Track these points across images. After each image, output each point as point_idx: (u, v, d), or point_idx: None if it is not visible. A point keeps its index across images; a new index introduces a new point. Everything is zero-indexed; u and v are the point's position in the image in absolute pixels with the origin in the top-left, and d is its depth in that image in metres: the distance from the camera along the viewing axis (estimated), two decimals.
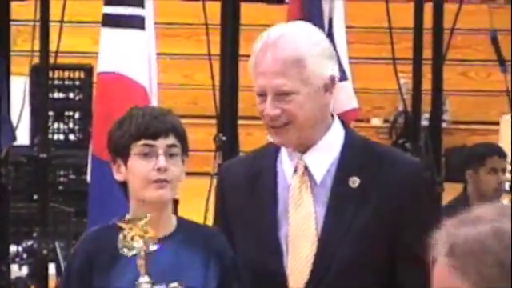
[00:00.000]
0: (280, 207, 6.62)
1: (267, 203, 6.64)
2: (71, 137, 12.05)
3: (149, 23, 9.36)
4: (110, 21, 9.27)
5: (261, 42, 6.60)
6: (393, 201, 6.67)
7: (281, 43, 6.59)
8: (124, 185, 6.03)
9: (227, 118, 10.09)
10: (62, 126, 11.71)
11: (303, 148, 6.62)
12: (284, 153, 6.70)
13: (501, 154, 12.88)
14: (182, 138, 6.06)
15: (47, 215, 11.14)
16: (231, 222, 6.83)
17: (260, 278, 6.68)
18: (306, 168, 6.59)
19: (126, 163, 5.74)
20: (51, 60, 10.47)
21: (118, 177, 5.73)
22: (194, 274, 5.73)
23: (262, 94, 6.50)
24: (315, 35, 6.82)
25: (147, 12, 9.34)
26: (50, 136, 12.48)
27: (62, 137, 12.27)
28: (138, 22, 9.22)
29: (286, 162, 6.69)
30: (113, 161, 5.78)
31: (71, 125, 11.56)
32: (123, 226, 5.62)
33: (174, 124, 6.00)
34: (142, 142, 5.68)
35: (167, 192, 5.81)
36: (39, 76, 11.04)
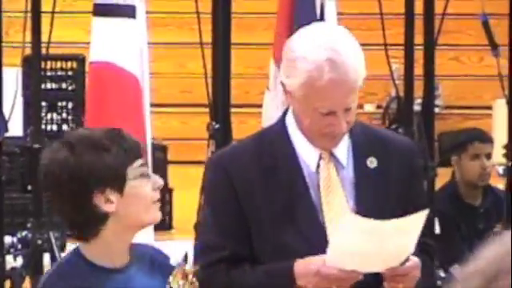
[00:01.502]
0: (312, 193, 6.75)
1: (300, 191, 6.75)
2: (64, 127, 11.91)
3: (140, 12, 9.28)
4: (101, 10, 9.17)
5: (315, 62, 6.62)
6: (403, 175, 7.11)
7: (342, 62, 6.63)
8: (103, 217, 5.61)
9: (220, 106, 10.13)
10: (55, 116, 11.61)
11: None
12: (303, 143, 6.83)
13: (483, 139, 12.82)
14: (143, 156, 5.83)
15: (41, 205, 11.17)
16: (248, 213, 6.80)
17: (292, 255, 6.71)
18: (331, 154, 6.75)
19: (120, 191, 5.38)
20: (43, 51, 10.54)
21: (109, 209, 5.30)
22: None
23: (330, 113, 6.60)
24: (358, 46, 6.88)
25: (138, 1, 9.26)
26: (43, 127, 12.52)
27: (55, 127, 12.12)
28: (129, 11, 9.14)
29: (308, 151, 6.83)
30: (98, 193, 5.29)
31: (64, 115, 11.52)
32: (182, 268, 5.60)
33: (141, 147, 5.81)
34: (139, 162, 5.45)
35: (158, 214, 5.71)
36: (31, 67, 11.02)
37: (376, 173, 6.91)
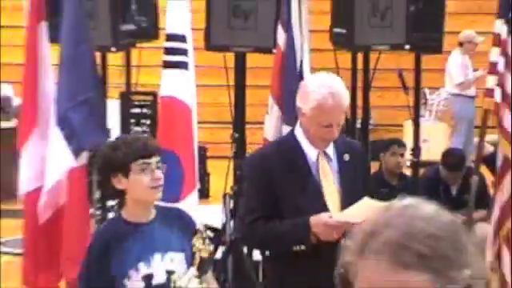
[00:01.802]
0: (314, 176, 7.47)
1: (308, 175, 7.49)
2: (138, 131, 11.65)
3: (191, 65, 9.24)
4: (168, 64, 9.15)
5: (322, 94, 7.38)
6: (363, 165, 8.14)
7: (338, 95, 7.36)
8: (121, 192, 6.17)
9: (238, 123, 10.43)
10: (139, 129, 11.71)
11: None
12: (307, 145, 7.54)
13: (399, 144, 13.19)
14: (161, 154, 6.08)
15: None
16: (276, 189, 7.44)
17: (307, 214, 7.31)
18: (324, 152, 7.50)
19: (126, 177, 5.86)
20: (132, 88, 10.92)
21: (120, 186, 5.86)
22: (175, 242, 5.88)
23: (329, 125, 7.37)
24: (344, 86, 7.68)
25: (190, 59, 9.21)
26: None
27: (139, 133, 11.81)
28: (184, 65, 9.17)
29: (310, 150, 7.50)
30: (113, 177, 5.87)
31: (145, 128, 11.70)
32: (203, 232, 6.06)
33: (158, 146, 6.13)
34: (141, 161, 5.83)
35: (160, 193, 5.96)
36: (125, 99, 10.98)
37: (349, 164, 7.64)
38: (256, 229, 7.45)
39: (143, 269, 5.63)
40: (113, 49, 9.87)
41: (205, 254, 5.84)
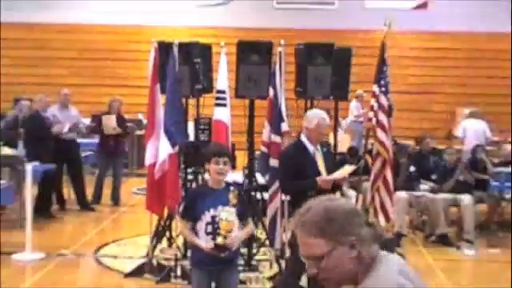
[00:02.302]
0: (313, 159, 7.58)
1: (311, 160, 7.60)
2: (202, 137, 10.82)
3: (228, 105, 9.42)
4: (217, 104, 9.39)
5: (321, 118, 7.69)
6: (330, 153, 8.38)
7: (326, 118, 7.78)
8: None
9: (250, 132, 10.02)
10: (203, 135, 10.84)
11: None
12: (306, 142, 7.64)
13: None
14: (229, 157, 6.16)
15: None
16: (296, 166, 7.53)
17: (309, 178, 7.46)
18: (316, 148, 7.65)
19: (209, 164, 6.05)
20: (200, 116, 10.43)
21: (208, 168, 6.08)
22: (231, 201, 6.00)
23: (321, 133, 7.70)
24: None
25: (227, 101, 9.42)
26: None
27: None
28: (224, 105, 9.38)
29: (309, 147, 7.61)
30: (206, 163, 6.07)
31: (205, 135, 10.86)
32: (234, 191, 6.06)
33: (226, 151, 6.25)
34: (215, 158, 6.06)
35: (224, 176, 6.06)
36: (196, 121, 10.57)
37: (326, 153, 7.80)
38: (289, 184, 7.60)
39: (211, 211, 5.96)
40: (191, 97, 9.95)
41: (234, 201, 5.97)
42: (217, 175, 6.04)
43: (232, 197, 5.97)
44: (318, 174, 7.56)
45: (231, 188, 6.08)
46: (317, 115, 7.80)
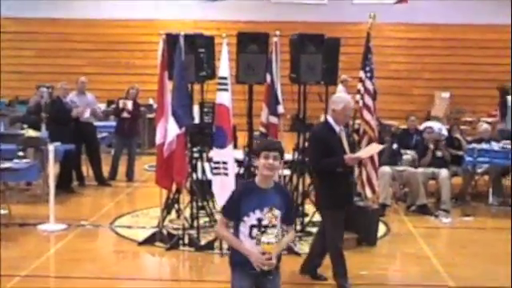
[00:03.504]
0: (339, 138, 7.42)
1: (338, 140, 7.42)
2: (206, 119, 11.32)
3: (229, 90, 9.05)
4: (220, 89, 9.00)
5: (346, 101, 7.52)
6: (347, 134, 7.92)
7: (351, 102, 7.63)
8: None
9: (249, 114, 9.85)
10: (206, 117, 11.33)
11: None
12: (332, 123, 7.43)
13: None
14: (280, 151, 5.00)
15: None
16: (326, 145, 7.35)
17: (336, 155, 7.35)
18: (341, 129, 7.48)
19: (258, 158, 4.95)
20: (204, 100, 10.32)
21: (256, 163, 5.05)
22: (278, 203, 4.95)
23: (348, 115, 7.57)
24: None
25: (229, 87, 9.01)
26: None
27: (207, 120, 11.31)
28: (226, 90, 8.99)
29: (336, 127, 7.39)
30: (256, 155, 5.01)
31: (209, 117, 11.31)
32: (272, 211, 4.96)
33: (277, 146, 5.06)
34: (264, 152, 4.97)
35: (272, 172, 4.95)
36: (200, 105, 10.55)
37: (346, 134, 7.63)
38: (320, 161, 7.40)
39: (257, 213, 4.90)
40: (196, 83, 9.81)
41: (274, 222, 4.91)
42: (265, 170, 4.96)
43: (273, 218, 4.91)
44: (344, 152, 7.43)
45: (274, 210, 4.94)
46: (343, 99, 7.63)
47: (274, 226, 4.89)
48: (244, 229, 4.94)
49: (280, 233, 4.99)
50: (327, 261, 7.75)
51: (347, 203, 7.62)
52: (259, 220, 4.90)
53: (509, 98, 15.82)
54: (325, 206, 7.59)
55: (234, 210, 4.97)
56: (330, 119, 7.52)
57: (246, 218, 4.91)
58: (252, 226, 4.91)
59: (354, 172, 8.09)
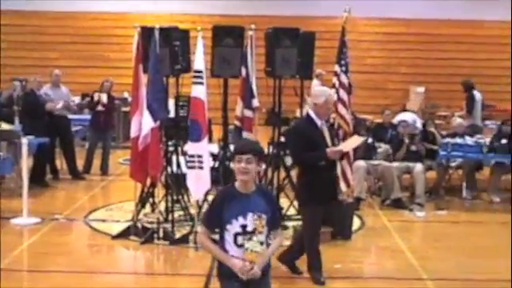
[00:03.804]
0: (321, 132, 7.42)
1: (320, 134, 7.42)
2: (181, 113, 11.34)
3: (204, 83, 8.84)
4: (195, 83, 8.82)
5: (328, 94, 7.54)
6: (330, 129, 7.95)
7: (332, 96, 7.78)
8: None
9: (224, 108, 10.07)
10: (182, 111, 11.42)
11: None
12: (314, 117, 7.43)
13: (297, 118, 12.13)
14: (254, 153, 4.63)
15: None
16: (307, 139, 7.35)
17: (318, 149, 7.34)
18: (322, 123, 7.47)
19: (234, 161, 4.65)
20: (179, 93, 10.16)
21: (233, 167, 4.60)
22: (262, 207, 4.62)
23: (329, 108, 7.55)
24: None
25: (204, 80, 8.82)
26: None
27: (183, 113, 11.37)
28: (201, 83, 8.83)
29: (317, 121, 7.40)
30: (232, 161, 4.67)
31: (185, 111, 11.41)
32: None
33: (251, 147, 4.71)
34: (237, 156, 4.62)
35: (247, 177, 4.57)
36: (176, 98, 10.38)
37: (327, 127, 7.64)
38: (301, 156, 7.42)
39: (240, 220, 4.59)
40: (171, 76, 9.77)
41: (261, 229, 4.65)
42: (240, 175, 4.64)
43: (259, 224, 4.64)
44: (326, 146, 7.43)
45: (258, 215, 4.66)
46: (324, 92, 7.61)
47: (260, 233, 4.65)
48: (229, 237, 4.66)
49: (266, 239, 4.72)
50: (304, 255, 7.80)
51: (329, 199, 7.60)
52: (243, 227, 4.63)
53: (475, 92, 15.94)
54: (304, 200, 7.60)
55: (215, 219, 4.68)
56: (312, 113, 7.51)
57: (228, 226, 4.64)
58: (236, 234, 4.64)
59: (337, 167, 7.98)
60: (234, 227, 4.61)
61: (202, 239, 4.81)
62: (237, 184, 4.71)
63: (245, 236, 4.61)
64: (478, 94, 16.05)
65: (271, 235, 4.87)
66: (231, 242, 4.64)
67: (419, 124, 13.51)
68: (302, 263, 7.87)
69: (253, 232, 4.61)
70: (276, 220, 4.87)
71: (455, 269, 8.43)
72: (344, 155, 7.71)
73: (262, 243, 4.65)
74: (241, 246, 4.61)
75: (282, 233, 5.06)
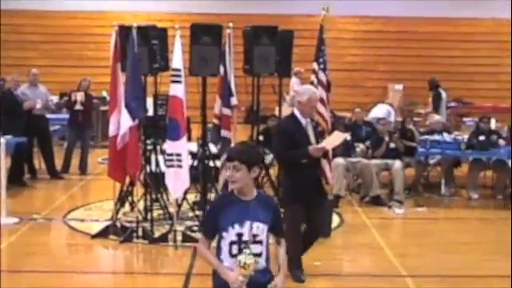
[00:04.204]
0: (305, 130, 7.44)
1: (304, 132, 7.43)
2: (160, 112, 11.34)
3: (183, 82, 8.94)
4: (173, 81, 8.89)
5: (311, 92, 7.56)
6: (315, 128, 7.82)
7: (316, 95, 7.67)
8: None
9: (203, 106, 9.93)
10: (161, 110, 11.45)
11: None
12: (299, 116, 7.45)
13: (275, 116, 12.38)
14: (243, 160, 4.25)
15: None
16: (290, 137, 7.39)
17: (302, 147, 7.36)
18: (307, 122, 7.49)
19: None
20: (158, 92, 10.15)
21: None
22: (262, 216, 4.27)
23: (313, 106, 7.59)
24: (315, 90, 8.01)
25: (182, 79, 8.93)
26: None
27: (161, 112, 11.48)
28: (180, 82, 8.91)
29: (302, 120, 7.42)
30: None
31: (163, 109, 11.47)
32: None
33: (238, 153, 4.30)
34: (227, 164, 4.31)
35: (235, 185, 4.27)
36: (155, 97, 10.37)
37: (312, 126, 7.60)
38: (284, 154, 7.49)
39: (236, 228, 4.24)
40: (149, 75, 9.78)
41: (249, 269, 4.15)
42: (229, 184, 4.37)
43: (254, 231, 4.27)
44: (310, 144, 7.45)
45: (256, 224, 4.30)
46: (308, 90, 7.65)
47: (257, 242, 4.30)
48: (224, 246, 4.33)
49: (266, 249, 4.37)
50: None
51: (312, 198, 7.55)
52: (239, 235, 4.28)
53: (441, 90, 16.05)
54: (286, 199, 7.59)
55: (212, 226, 4.37)
56: (297, 112, 7.53)
57: (224, 234, 4.30)
58: (231, 243, 4.29)
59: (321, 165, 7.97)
60: (230, 235, 4.29)
61: (199, 247, 4.52)
62: (235, 190, 4.38)
63: (240, 246, 4.27)
64: (443, 92, 16.15)
65: (278, 244, 4.57)
66: (226, 252, 4.33)
67: (393, 114, 13.42)
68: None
69: (248, 242, 4.26)
70: (279, 227, 4.54)
71: (434, 265, 8.48)
72: (327, 153, 7.70)
73: (257, 255, 4.27)
74: (234, 256, 4.26)
75: (284, 244, 4.60)
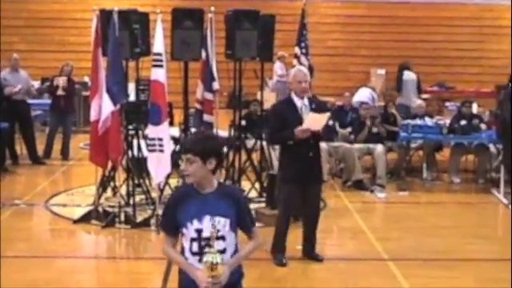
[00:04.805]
0: (301, 113, 7.41)
1: (297, 114, 7.42)
2: (142, 97, 11.48)
3: (164, 66, 8.91)
4: (155, 65, 8.83)
5: (297, 71, 7.65)
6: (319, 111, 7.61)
7: (303, 71, 7.63)
8: None
9: (184, 91, 9.90)
10: (142, 95, 11.48)
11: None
12: (295, 98, 7.47)
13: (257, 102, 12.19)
14: (197, 152, 3.90)
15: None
16: (284, 118, 7.45)
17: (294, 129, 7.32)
18: (305, 104, 7.47)
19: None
20: (140, 77, 10.24)
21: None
22: (223, 210, 3.91)
23: (300, 82, 7.43)
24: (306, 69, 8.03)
25: (164, 63, 8.89)
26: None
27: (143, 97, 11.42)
28: (161, 66, 8.87)
29: (297, 101, 7.44)
30: None
31: (145, 94, 11.37)
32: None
33: (192, 144, 3.98)
34: (182, 155, 4.00)
35: (189, 179, 3.94)
36: (137, 82, 10.59)
37: (309, 105, 7.49)
38: (275, 135, 7.56)
39: (195, 223, 3.91)
40: (130, 60, 9.68)
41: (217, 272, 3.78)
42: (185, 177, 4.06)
43: (214, 226, 3.91)
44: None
45: (217, 219, 3.95)
46: (292, 70, 7.72)
47: (220, 238, 3.93)
48: (186, 244, 4.01)
49: (233, 245, 4.04)
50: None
51: (306, 179, 7.56)
52: (198, 232, 3.94)
53: (406, 73, 16.05)
54: (280, 179, 7.71)
55: (170, 222, 4.08)
56: (293, 95, 7.57)
57: (184, 231, 3.98)
58: (192, 240, 3.97)
59: (319, 147, 7.89)
60: (190, 232, 3.96)
61: (164, 245, 4.18)
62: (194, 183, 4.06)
63: (201, 243, 3.94)
64: (410, 75, 16.11)
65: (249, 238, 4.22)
66: (187, 249, 4.00)
67: (376, 97, 13.32)
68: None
69: (209, 238, 3.88)
70: (246, 221, 4.13)
71: (416, 249, 8.52)
72: (317, 134, 7.63)
73: (221, 251, 3.91)
74: (196, 253, 3.96)
75: (259, 234, 4.23)
